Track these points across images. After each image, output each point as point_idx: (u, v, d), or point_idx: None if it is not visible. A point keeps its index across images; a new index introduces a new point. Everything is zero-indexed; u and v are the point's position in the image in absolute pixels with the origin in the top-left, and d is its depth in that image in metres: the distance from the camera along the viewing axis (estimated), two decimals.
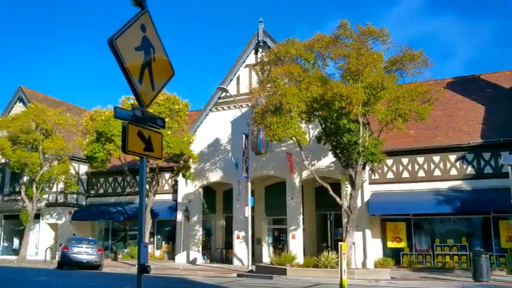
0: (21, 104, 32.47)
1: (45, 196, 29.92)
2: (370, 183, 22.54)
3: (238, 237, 24.82)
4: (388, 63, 19.04)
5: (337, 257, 15.24)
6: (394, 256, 21.91)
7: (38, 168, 27.01)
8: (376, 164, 20.34)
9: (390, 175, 22.61)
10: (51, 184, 29.47)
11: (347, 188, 20.57)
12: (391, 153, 21.42)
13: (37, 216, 29.66)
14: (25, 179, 28.59)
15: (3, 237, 33.07)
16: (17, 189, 30.25)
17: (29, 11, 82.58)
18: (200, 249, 26.48)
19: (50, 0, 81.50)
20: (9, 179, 32.41)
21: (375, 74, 17.56)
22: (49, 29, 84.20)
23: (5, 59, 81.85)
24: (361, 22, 20.26)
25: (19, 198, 29.49)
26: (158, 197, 26.37)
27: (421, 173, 22.10)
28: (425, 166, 22.07)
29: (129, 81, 4.86)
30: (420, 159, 22.18)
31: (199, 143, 26.00)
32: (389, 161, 22.23)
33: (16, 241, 32.10)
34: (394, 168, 22.57)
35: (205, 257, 27.12)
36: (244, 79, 26.28)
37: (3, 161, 30.25)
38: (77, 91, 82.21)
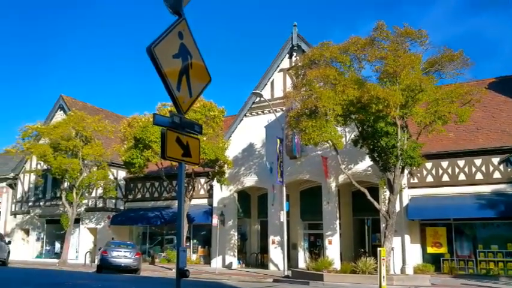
0: (61, 112, 33.50)
1: (85, 201, 30.70)
2: (409, 187, 21.99)
3: (273, 242, 24.72)
4: (426, 65, 18.56)
5: (376, 263, 14.96)
6: (434, 262, 21.31)
7: (78, 174, 27.72)
8: (415, 167, 19.87)
9: (430, 179, 22.02)
10: (90, 189, 30.21)
11: (385, 193, 20.15)
12: (430, 156, 20.91)
13: (77, 221, 30.50)
14: (66, 184, 29.39)
15: (46, 240, 34.15)
16: (58, 195, 31.16)
17: (67, 22, 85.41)
18: (235, 253, 26.53)
19: (89, 12, 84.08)
20: (50, 184, 33.49)
21: (413, 76, 17.15)
22: (85, 38, 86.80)
23: (46, 68, 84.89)
24: (396, 23, 19.95)
25: (60, 203, 30.37)
26: (194, 201, 26.60)
27: (462, 177, 21.42)
28: (466, 169, 21.38)
29: (168, 88, 4.91)
30: (461, 162, 21.51)
31: (233, 148, 26.11)
32: (429, 164, 21.67)
33: (57, 245, 33.11)
34: (433, 171, 21.98)
35: (240, 261, 27.13)
36: (278, 84, 26.24)
37: (45, 167, 31.29)
38: (114, 98, 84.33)
